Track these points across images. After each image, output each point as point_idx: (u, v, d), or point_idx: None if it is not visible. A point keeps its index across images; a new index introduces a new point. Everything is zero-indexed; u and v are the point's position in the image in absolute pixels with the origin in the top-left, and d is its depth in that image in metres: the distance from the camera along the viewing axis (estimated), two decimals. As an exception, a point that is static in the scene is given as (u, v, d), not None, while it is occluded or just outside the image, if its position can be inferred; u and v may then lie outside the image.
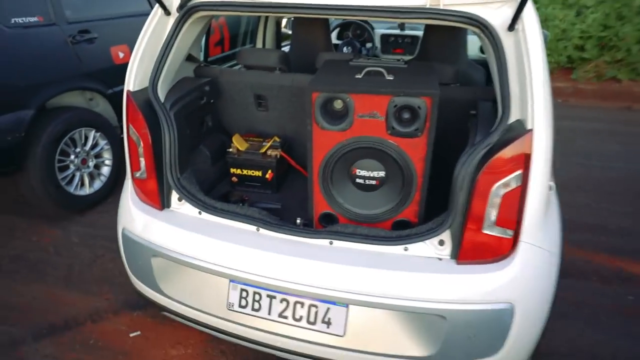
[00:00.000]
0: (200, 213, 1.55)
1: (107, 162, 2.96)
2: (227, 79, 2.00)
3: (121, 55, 2.91)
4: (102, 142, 2.88)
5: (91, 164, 2.85)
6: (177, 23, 1.62)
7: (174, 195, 1.61)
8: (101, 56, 2.79)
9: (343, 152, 1.45)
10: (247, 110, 2.07)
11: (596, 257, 2.48)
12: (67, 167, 2.68)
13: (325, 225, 1.55)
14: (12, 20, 2.30)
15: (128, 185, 1.72)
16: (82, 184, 2.82)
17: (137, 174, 1.63)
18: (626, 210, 2.93)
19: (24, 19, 2.36)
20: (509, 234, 1.24)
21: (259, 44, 3.46)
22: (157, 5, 1.63)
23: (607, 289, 2.26)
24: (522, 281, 1.27)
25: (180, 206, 1.60)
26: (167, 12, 1.64)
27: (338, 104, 1.39)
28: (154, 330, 1.98)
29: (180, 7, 1.61)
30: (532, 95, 1.19)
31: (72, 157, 2.70)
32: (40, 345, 1.92)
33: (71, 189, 2.72)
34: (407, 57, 3.26)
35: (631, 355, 1.92)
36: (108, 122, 2.90)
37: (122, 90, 2.88)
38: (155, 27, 1.64)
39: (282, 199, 1.98)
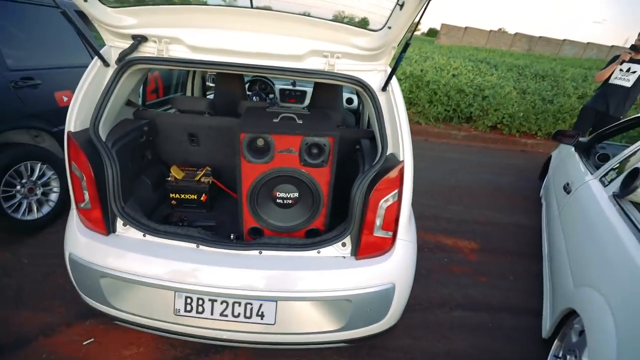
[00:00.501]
0: (144, 235, 1.26)
1: (55, 189, 2.39)
2: (163, 121, 1.71)
3: (65, 99, 2.37)
4: (49, 172, 2.32)
5: (39, 192, 2.27)
6: (116, 74, 1.32)
7: (119, 221, 1.28)
8: (45, 99, 2.23)
9: (266, 180, 1.29)
10: (182, 145, 1.79)
11: (427, 235, 2.63)
12: (13, 196, 2.07)
13: (254, 237, 1.37)
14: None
15: (73, 214, 1.35)
16: (30, 210, 2.21)
17: (82, 205, 1.29)
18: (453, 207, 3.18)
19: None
20: (390, 234, 1.20)
21: (188, 93, 3.10)
22: (96, 57, 1.30)
23: (434, 255, 2.40)
24: (398, 266, 1.25)
25: (125, 231, 1.29)
26: (106, 64, 1.33)
27: (261, 142, 1.23)
28: (107, 335, 1.61)
29: (119, 60, 1.31)
30: (401, 135, 1.17)
31: (18, 187, 2.10)
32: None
33: (18, 216, 2.11)
34: (300, 106, 3.21)
35: (463, 295, 2.04)
36: (54, 155, 2.34)
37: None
38: (95, 76, 1.33)
39: (216, 217, 1.75)
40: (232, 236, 1.34)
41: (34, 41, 2.28)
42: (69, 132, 1.24)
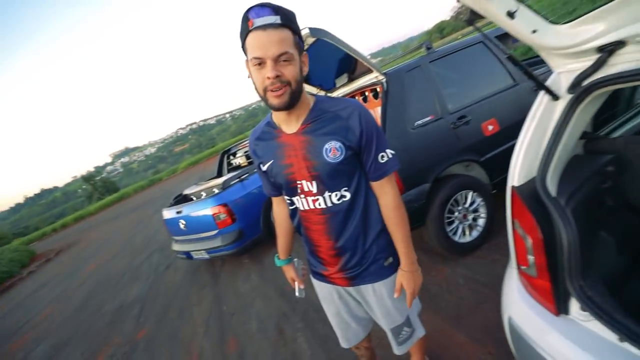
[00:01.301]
0: (621, 341, 0.83)
1: (482, 215, 2.53)
2: (638, 152, 1.14)
3: (490, 128, 2.42)
4: (478, 200, 2.48)
5: (470, 217, 2.46)
6: (570, 107, 1.00)
7: (575, 303, 0.96)
8: (474, 133, 2.39)
9: None
10: None
11: None
12: (452, 222, 2.40)
13: None
14: (415, 123, 2.25)
15: (513, 274, 1.20)
16: (463, 234, 2.46)
17: (524, 269, 1.09)
18: None
19: (422, 120, 2.27)
20: None
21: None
22: (542, 92, 1.06)
23: None
24: None
25: (585, 319, 0.95)
26: (555, 97, 1.04)
27: None
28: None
29: (573, 88, 0.98)
30: None
31: (456, 213, 2.40)
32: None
33: (456, 238, 2.42)
34: None
35: None
36: (482, 183, 2.48)
37: (491, 157, 2.39)
38: (542, 115, 1.07)
39: None
40: None
41: (462, 81, 2.55)
42: (512, 187, 1.11)
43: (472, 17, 0.93)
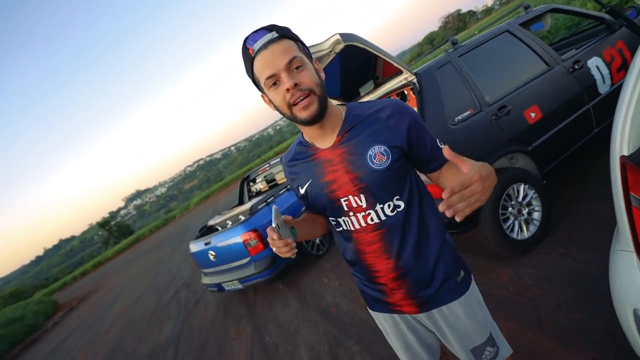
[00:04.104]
0: None
1: (536, 208, 2.36)
2: None
3: (532, 115, 2.30)
4: (530, 192, 2.32)
5: (525, 212, 2.30)
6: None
7: None
8: (518, 122, 2.27)
9: None
10: None
11: None
12: (508, 219, 2.23)
13: None
14: (455, 119, 2.14)
15: (628, 260, 1.03)
16: (521, 230, 2.29)
17: None
18: None
19: (462, 115, 2.16)
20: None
21: None
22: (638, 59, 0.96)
23: None
24: None
25: None
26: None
27: None
28: None
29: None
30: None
31: (510, 209, 2.25)
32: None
33: (514, 235, 2.25)
34: None
35: None
36: (532, 174, 2.31)
37: (538, 145, 2.25)
38: None
39: None
40: None
41: (495, 72, 2.46)
42: (623, 157, 0.98)
43: None
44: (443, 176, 0.96)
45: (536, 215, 2.35)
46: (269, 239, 0.90)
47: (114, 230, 57.39)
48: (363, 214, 0.93)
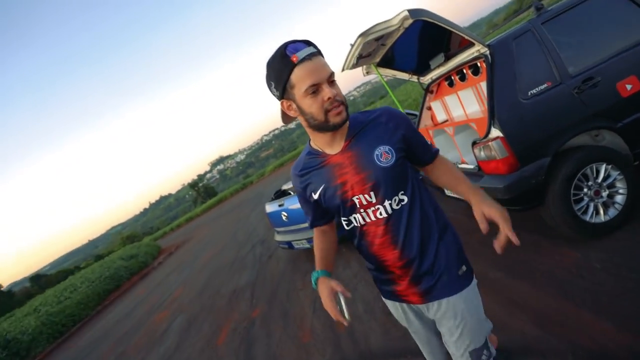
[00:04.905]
0: None
1: (620, 191, 2.18)
2: None
3: (628, 87, 2.08)
4: (615, 173, 2.16)
5: (604, 194, 2.16)
6: None
7: None
8: (606, 95, 2.08)
9: None
10: None
11: None
12: (581, 199, 2.13)
13: None
14: (529, 93, 2.07)
15: None
16: (597, 213, 2.17)
17: None
18: None
19: (537, 89, 2.07)
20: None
21: None
22: None
23: None
24: None
25: None
26: None
27: None
28: None
29: None
30: None
31: (585, 190, 2.14)
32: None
33: (586, 218, 2.14)
34: None
35: None
36: (618, 154, 2.13)
37: (633, 121, 2.06)
38: None
39: None
40: None
41: (586, 39, 2.23)
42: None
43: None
44: (435, 167, 1.18)
45: (619, 198, 2.17)
46: (330, 310, 1.03)
47: (201, 191, 65.29)
48: (373, 209, 1.05)
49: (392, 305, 1.26)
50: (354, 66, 2.93)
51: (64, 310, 10.53)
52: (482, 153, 2.23)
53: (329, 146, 1.07)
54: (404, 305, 1.20)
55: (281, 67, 0.93)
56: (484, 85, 2.75)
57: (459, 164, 2.80)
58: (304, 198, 1.16)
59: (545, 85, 2.10)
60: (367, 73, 3.19)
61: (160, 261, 15.13)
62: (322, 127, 0.99)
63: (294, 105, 0.99)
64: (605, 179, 2.14)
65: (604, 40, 2.18)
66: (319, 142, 1.08)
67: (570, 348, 1.62)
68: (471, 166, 2.53)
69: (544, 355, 1.65)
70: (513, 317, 1.96)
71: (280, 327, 3.36)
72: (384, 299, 1.28)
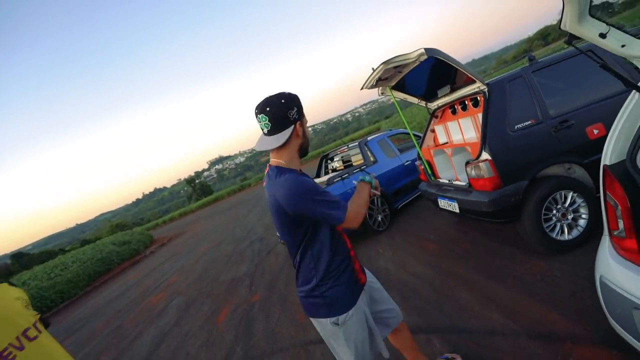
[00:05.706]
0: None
1: (583, 216, 2.62)
2: None
3: (595, 132, 2.54)
4: (579, 200, 2.60)
5: (569, 217, 2.60)
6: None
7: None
8: (577, 136, 2.54)
9: None
10: None
11: None
12: (550, 219, 2.57)
13: None
14: (516, 127, 2.53)
15: (606, 240, 1.47)
16: (562, 232, 2.60)
17: (615, 233, 1.38)
18: None
19: (522, 124, 2.54)
20: None
21: None
22: (633, 91, 1.37)
23: None
24: None
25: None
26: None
27: None
28: (635, 373, 1.52)
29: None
30: None
31: (554, 211, 2.57)
32: (530, 344, 1.91)
33: (553, 235, 2.58)
34: None
35: None
36: (584, 185, 2.58)
37: (596, 160, 2.54)
38: (633, 109, 1.38)
39: None
40: None
41: (566, 89, 2.71)
42: (604, 165, 1.41)
43: (570, 39, 1.31)
44: None
45: (582, 222, 2.62)
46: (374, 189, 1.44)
47: (197, 188, 65.33)
48: None
49: (359, 313, 1.41)
50: (373, 87, 3.40)
51: (54, 286, 10.72)
52: (473, 171, 2.69)
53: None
54: (365, 296, 1.51)
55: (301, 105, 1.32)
56: (480, 116, 3.23)
57: (453, 180, 3.24)
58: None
59: (530, 122, 2.57)
60: (382, 94, 3.66)
61: (152, 250, 15.31)
62: (306, 151, 1.36)
63: (301, 130, 1.31)
64: (571, 204, 2.59)
65: (581, 92, 2.67)
66: (297, 166, 1.36)
67: (525, 330, 2.03)
68: (463, 183, 2.97)
69: (504, 334, 2.06)
70: (485, 308, 2.37)
71: (279, 310, 3.72)
72: (356, 313, 1.40)
